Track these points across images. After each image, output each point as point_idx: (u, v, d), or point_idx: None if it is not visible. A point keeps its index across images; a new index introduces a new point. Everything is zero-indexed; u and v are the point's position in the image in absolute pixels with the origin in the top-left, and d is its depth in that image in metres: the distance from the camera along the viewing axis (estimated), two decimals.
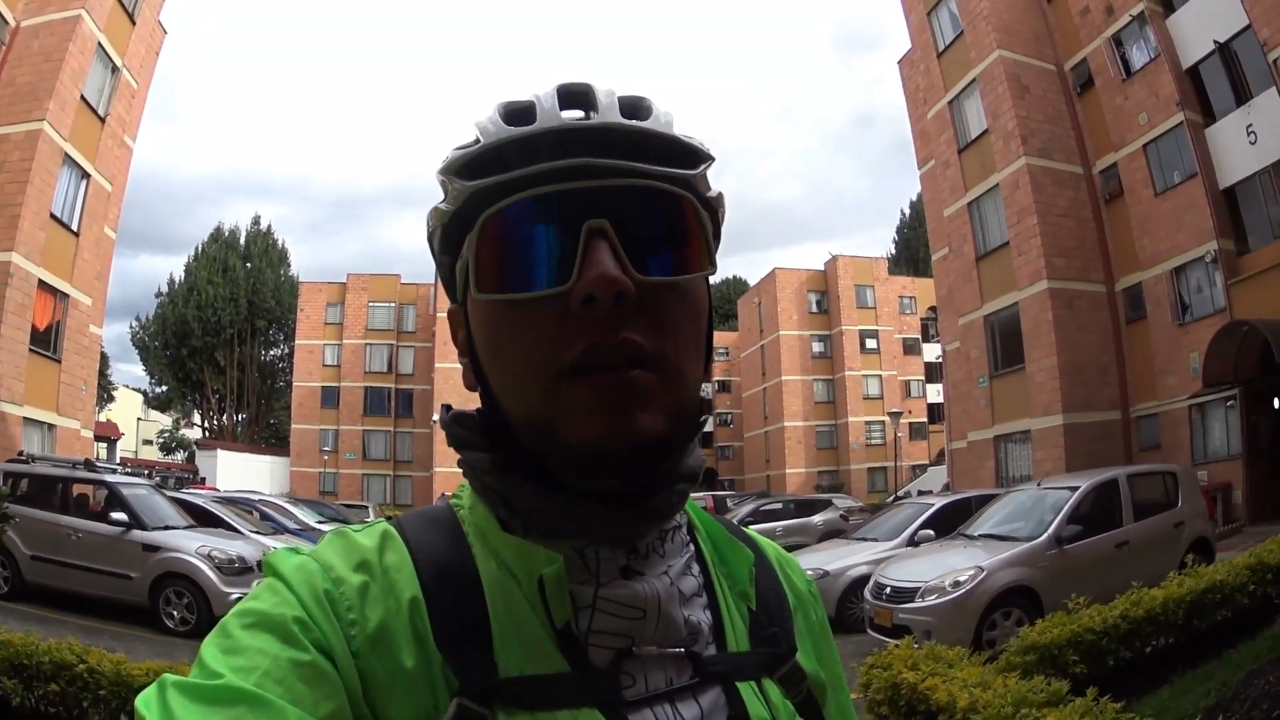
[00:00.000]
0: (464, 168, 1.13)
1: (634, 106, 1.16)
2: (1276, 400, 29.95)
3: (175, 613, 17.06)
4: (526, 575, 1.13)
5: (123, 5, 35.74)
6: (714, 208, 1.20)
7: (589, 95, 1.15)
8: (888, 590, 14.94)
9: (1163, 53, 32.45)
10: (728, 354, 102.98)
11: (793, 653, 1.29)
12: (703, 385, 1.21)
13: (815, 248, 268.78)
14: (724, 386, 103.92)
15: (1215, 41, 30.88)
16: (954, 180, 40.21)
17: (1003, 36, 37.02)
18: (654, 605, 1.16)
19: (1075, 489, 16.08)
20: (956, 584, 13.92)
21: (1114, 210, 36.03)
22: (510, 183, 1.09)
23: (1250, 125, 29.93)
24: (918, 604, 14.04)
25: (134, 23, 36.89)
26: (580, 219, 1.06)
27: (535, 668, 1.09)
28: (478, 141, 1.13)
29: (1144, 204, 34.08)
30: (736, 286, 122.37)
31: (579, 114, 1.15)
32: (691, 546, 1.29)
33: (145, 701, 0.96)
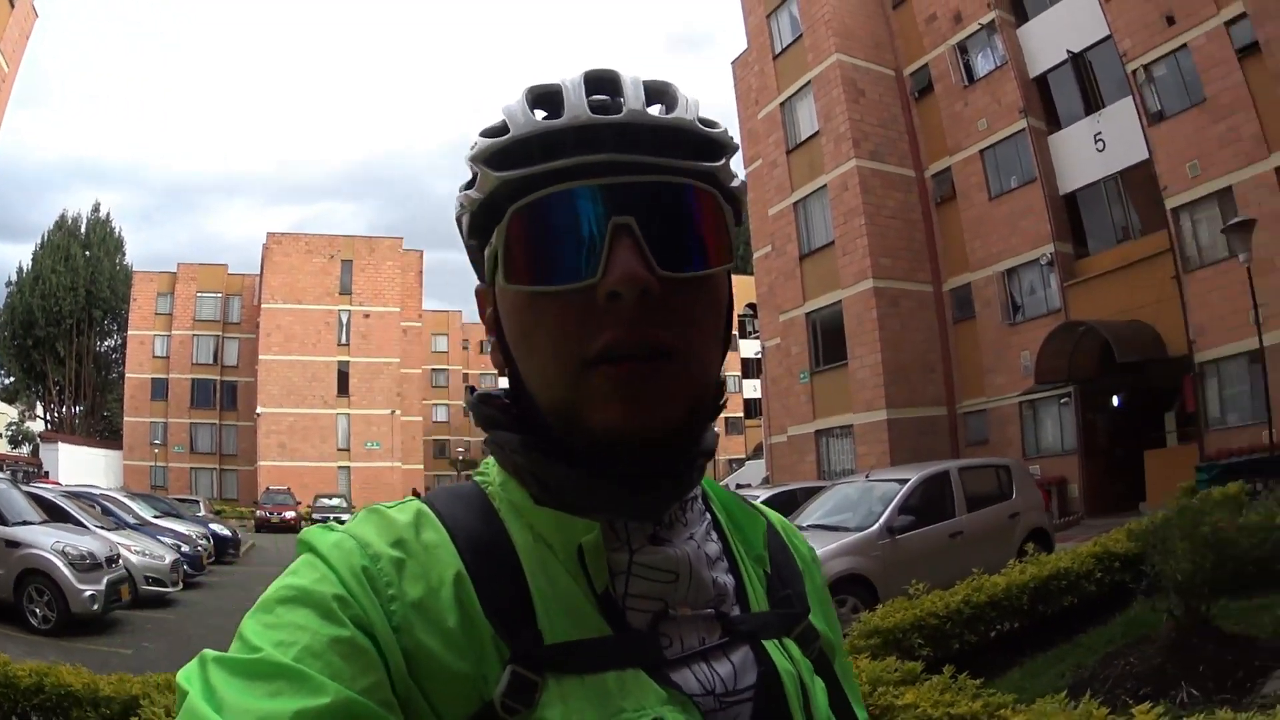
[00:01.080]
0: (493, 157, 1.11)
1: (660, 97, 1.15)
2: (1115, 399, 30.61)
3: (38, 610, 16.20)
4: (564, 545, 1.13)
5: None
6: (737, 198, 1.19)
7: (616, 83, 1.13)
8: None
9: (1010, 61, 32.77)
10: None
11: (807, 612, 1.31)
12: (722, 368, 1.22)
13: None
14: None
15: (1069, 51, 31.31)
16: (780, 180, 39.89)
17: (842, 41, 36.67)
18: (685, 568, 1.18)
19: (905, 481, 16.16)
20: None
21: (945, 213, 36.24)
22: (538, 176, 1.09)
23: (1099, 133, 30.35)
24: None
25: (12, 6, 34.20)
26: (607, 215, 1.06)
27: (579, 633, 1.09)
28: (505, 128, 1.12)
29: (977, 207, 34.42)
30: None
31: (604, 99, 1.12)
32: (708, 515, 1.30)
33: (187, 676, 0.96)
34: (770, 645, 1.20)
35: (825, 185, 36.95)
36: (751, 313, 61.57)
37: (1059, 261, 31.22)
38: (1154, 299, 27.66)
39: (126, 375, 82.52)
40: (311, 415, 71.25)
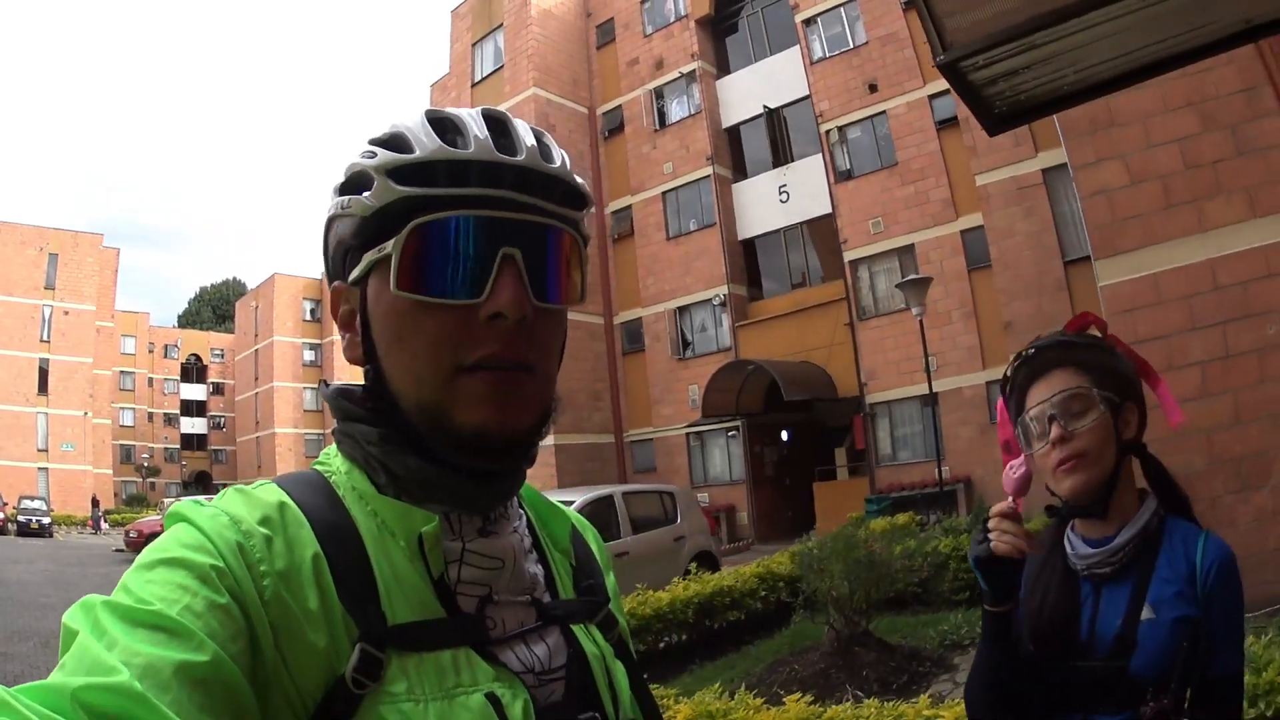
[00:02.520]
0: (396, 171, 1.15)
1: (546, 150, 1.22)
2: (784, 433, 31.48)
3: None
4: (406, 533, 1.17)
5: None
6: (586, 242, 1.27)
7: (508, 126, 1.20)
8: None
9: (704, 110, 33.17)
10: (223, 356, 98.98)
11: (607, 601, 1.38)
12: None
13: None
14: (218, 389, 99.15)
15: (765, 106, 32.18)
16: None
17: (541, 75, 36.56)
18: (511, 557, 1.25)
19: (570, 503, 15.17)
20: None
21: (622, 249, 36.33)
22: (444, 199, 1.14)
23: (784, 185, 31.12)
24: None
25: None
26: (497, 244, 1.13)
27: (418, 615, 1.13)
28: (406, 145, 1.16)
29: (654, 246, 34.66)
30: (235, 288, 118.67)
31: (503, 140, 1.19)
32: (522, 511, 1.36)
33: (73, 617, 0.96)
34: (578, 630, 1.27)
35: None
36: None
37: (732, 302, 31.64)
38: (827, 342, 28.39)
39: None
40: (14, 414, 65.33)
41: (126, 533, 38.49)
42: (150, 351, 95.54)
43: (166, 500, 53.29)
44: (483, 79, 39.33)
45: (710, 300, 32.21)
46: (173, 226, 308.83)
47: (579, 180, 1.24)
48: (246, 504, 1.10)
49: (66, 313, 67.51)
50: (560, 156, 1.22)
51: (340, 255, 1.22)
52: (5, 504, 52.57)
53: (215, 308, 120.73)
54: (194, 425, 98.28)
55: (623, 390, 35.69)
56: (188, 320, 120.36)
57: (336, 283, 1.25)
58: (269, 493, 1.14)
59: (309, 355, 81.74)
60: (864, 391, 27.31)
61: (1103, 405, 2.09)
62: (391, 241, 1.13)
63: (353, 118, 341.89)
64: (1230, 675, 1.99)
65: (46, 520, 50.32)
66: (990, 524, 2.07)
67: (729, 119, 33.21)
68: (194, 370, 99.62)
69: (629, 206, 35.63)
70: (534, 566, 1.31)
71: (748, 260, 32.67)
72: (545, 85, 36.38)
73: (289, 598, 1.03)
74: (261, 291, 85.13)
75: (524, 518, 1.36)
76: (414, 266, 1.12)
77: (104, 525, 56.83)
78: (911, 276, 21.96)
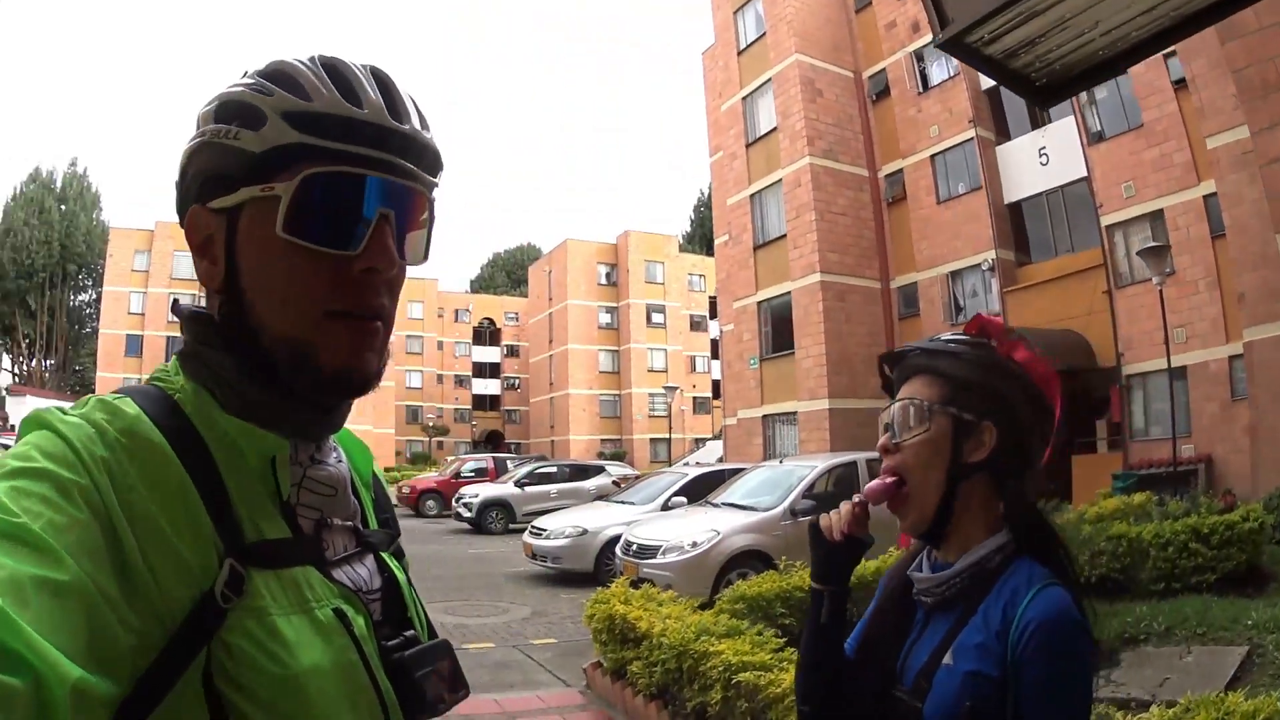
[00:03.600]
0: (292, 114, 1.23)
1: (423, 117, 1.35)
2: None
3: None
4: (257, 454, 1.26)
5: None
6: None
7: (393, 90, 1.32)
8: (635, 547, 15.54)
9: (962, 72, 32.33)
10: (517, 319, 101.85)
11: (399, 534, 1.54)
12: None
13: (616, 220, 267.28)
14: (512, 351, 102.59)
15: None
16: (739, 172, 39.94)
17: (802, 41, 36.54)
18: (341, 485, 1.40)
19: (814, 467, 17.00)
20: (694, 544, 14.66)
21: (896, 213, 36.22)
22: (335, 152, 1.24)
23: (1044, 148, 30.35)
24: (659, 560, 14.70)
25: None
26: (377, 203, 1.26)
27: (269, 534, 1.23)
28: (301, 90, 1.25)
29: (925, 210, 34.32)
30: (529, 253, 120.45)
31: (388, 103, 1.29)
32: (337, 446, 1.47)
33: None
34: (386, 557, 1.45)
35: (780, 180, 36.97)
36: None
37: (1000, 268, 31.22)
38: (1086, 311, 27.80)
39: (101, 331, 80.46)
40: None
41: (399, 489, 39.82)
42: (440, 316, 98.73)
43: (450, 459, 54.83)
44: (746, 47, 39.65)
45: (979, 265, 31.92)
46: (453, 194, 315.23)
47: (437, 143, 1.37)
48: (109, 416, 1.16)
49: None
50: (428, 122, 1.36)
51: (206, 180, 1.29)
52: None
53: (509, 272, 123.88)
54: (486, 386, 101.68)
55: None
56: (481, 285, 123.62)
57: (196, 206, 1.31)
58: (128, 405, 1.19)
59: (604, 318, 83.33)
60: (1120, 362, 26.64)
61: (937, 421, 1.98)
62: (281, 184, 1.22)
63: (624, 80, 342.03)
64: None
65: None
66: (843, 503, 2.06)
67: (986, 80, 31.74)
68: (487, 333, 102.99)
69: (900, 170, 35.49)
70: (353, 497, 1.45)
71: (1015, 224, 32.18)
72: (807, 51, 36.36)
73: (157, 513, 1.09)
74: (555, 256, 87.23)
75: (340, 452, 1.48)
76: (301, 213, 1.22)
77: None
78: (1150, 244, 21.44)
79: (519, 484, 30.88)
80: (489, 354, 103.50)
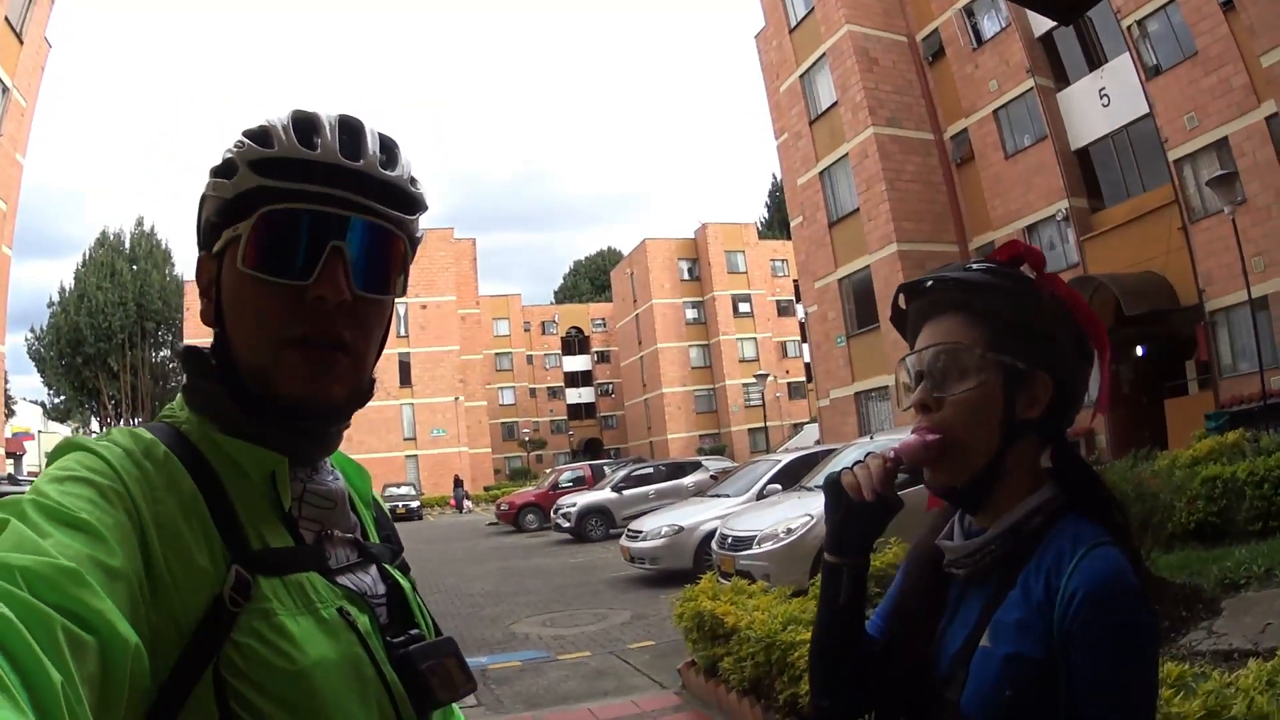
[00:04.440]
0: (256, 162, 1.35)
1: (388, 156, 1.44)
2: (1139, 348, 30.01)
3: None
4: (258, 470, 1.37)
5: (11, 27, 33.37)
6: (415, 244, 1.51)
7: (359, 133, 1.41)
8: (730, 540, 15.24)
9: (1013, 22, 32.19)
10: (604, 325, 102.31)
11: (402, 549, 1.65)
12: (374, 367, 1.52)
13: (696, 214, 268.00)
14: (603, 357, 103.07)
15: None
16: (806, 151, 40.06)
17: (851, 11, 36.47)
18: (341, 499, 1.52)
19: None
20: (789, 531, 14.29)
21: (966, 174, 36.00)
22: (289, 191, 1.34)
23: (1103, 89, 30.06)
24: (754, 550, 14.42)
25: (21, 42, 34.65)
26: (328, 236, 1.35)
27: (272, 543, 1.33)
28: (269, 140, 1.37)
29: (995, 167, 34.20)
30: (610, 258, 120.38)
31: (350, 143, 1.40)
32: (333, 469, 1.57)
33: (4, 510, 1.06)
34: (390, 568, 1.55)
35: (847, 154, 37.05)
36: None
37: (1074, 216, 30.93)
38: (1164, 250, 27.36)
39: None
40: (377, 408, 69.74)
41: (498, 505, 40.21)
42: (526, 330, 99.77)
43: (548, 471, 55.20)
44: (797, 24, 39.76)
45: (1053, 216, 31.76)
46: (533, 208, 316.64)
47: (414, 189, 1.46)
48: (134, 440, 1.28)
49: (424, 306, 72.04)
50: (401, 163, 1.45)
51: (206, 230, 1.43)
52: None
53: (592, 279, 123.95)
54: (580, 395, 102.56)
55: None
56: (565, 295, 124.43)
57: (201, 253, 1.45)
58: (144, 432, 1.32)
59: (691, 314, 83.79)
60: (1203, 299, 26.15)
61: (988, 372, 1.69)
62: (244, 224, 1.35)
63: (682, 71, 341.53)
64: None
65: (415, 504, 53.93)
66: (868, 457, 1.79)
67: (1038, 27, 31.99)
68: (575, 342, 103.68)
69: (965, 130, 35.36)
70: (351, 513, 1.56)
71: (1084, 170, 31.72)
72: (858, 20, 36.29)
73: (179, 521, 1.21)
74: (635, 257, 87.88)
75: (337, 474, 1.57)
76: (258, 247, 1.33)
77: (468, 504, 59.19)
78: (1218, 173, 21.06)
79: (616, 489, 30.76)
80: (579, 362, 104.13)
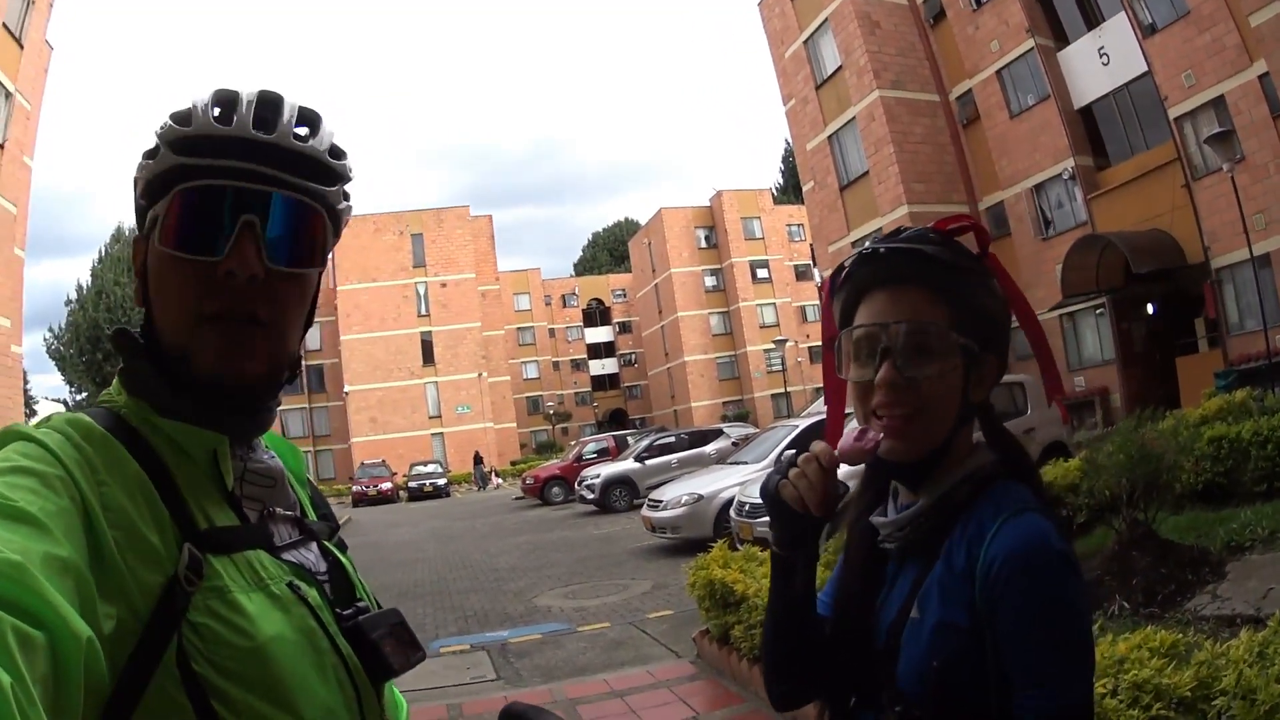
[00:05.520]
0: (175, 141, 1.36)
1: (307, 127, 1.43)
2: (1150, 306, 30.01)
3: None
4: (200, 450, 1.38)
5: (10, 32, 33.41)
6: (339, 217, 1.50)
7: (278, 106, 1.40)
8: (747, 507, 15.38)
9: None
10: (625, 295, 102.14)
11: (338, 526, 1.67)
12: (301, 343, 1.52)
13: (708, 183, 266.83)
14: (624, 328, 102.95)
15: None
16: (814, 116, 40.07)
17: None
18: (281, 477, 1.54)
19: None
20: None
21: (972, 134, 35.92)
22: (204, 168, 1.34)
23: (1102, 48, 29.96)
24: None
25: (21, 47, 34.60)
26: (239, 211, 1.34)
27: (218, 521, 1.34)
28: (188, 118, 1.37)
29: (1000, 126, 34.18)
30: (628, 228, 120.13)
31: (265, 117, 1.39)
32: (268, 448, 1.59)
33: None
34: (328, 544, 1.57)
35: (854, 118, 37.04)
36: None
37: (1080, 174, 30.85)
38: (1169, 207, 27.21)
39: None
40: (400, 388, 71.41)
41: (523, 480, 40.50)
42: (547, 304, 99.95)
43: (572, 443, 54.99)
44: None
45: (1060, 175, 31.67)
46: (548, 182, 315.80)
47: (333, 161, 1.45)
48: (75, 425, 1.27)
49: (444, 285, 72.34)
50: (323, 139, 1.44)
51: (138, 212, 1.44)
52: (394, 473, 57.29)
53: (611, 250, 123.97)
54: (604, 366, 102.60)
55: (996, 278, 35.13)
56: (584, 267, 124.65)
57: (136, 235, 1.46)
58: (83, 417, 1.31)
59: (710, 281, 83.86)
60: (1208, 256, 25.83)
61: (953, 354, 1.63)
62: (161, 203, 1.36)
63: (689, 41, 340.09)
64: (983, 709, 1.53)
65: (441, 481, 54.38)
66: (800, 459, 1.67)
67: None
68: (596, 313, 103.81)
69: (969, 90, 35.23)
70: (290, 492, 1.57)
71: (1089, 129, 31.50)
72: None
73: (126, 504, 1.21)
74: (652, 227, 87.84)
75: (271, 453, 1.58)
76: (174, 226, 1.33)
77: (495, 480, 59.16)
78: (1214, 131, 21.02)
79: (639, 459, 30.83)
80: (601, 334, 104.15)
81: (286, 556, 1.43)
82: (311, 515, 1.62)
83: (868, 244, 1.71)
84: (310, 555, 1.51)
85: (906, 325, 1.63)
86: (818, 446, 1.67)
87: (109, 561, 1.15)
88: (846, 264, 1.75)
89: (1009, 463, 1.71)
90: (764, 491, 1.74)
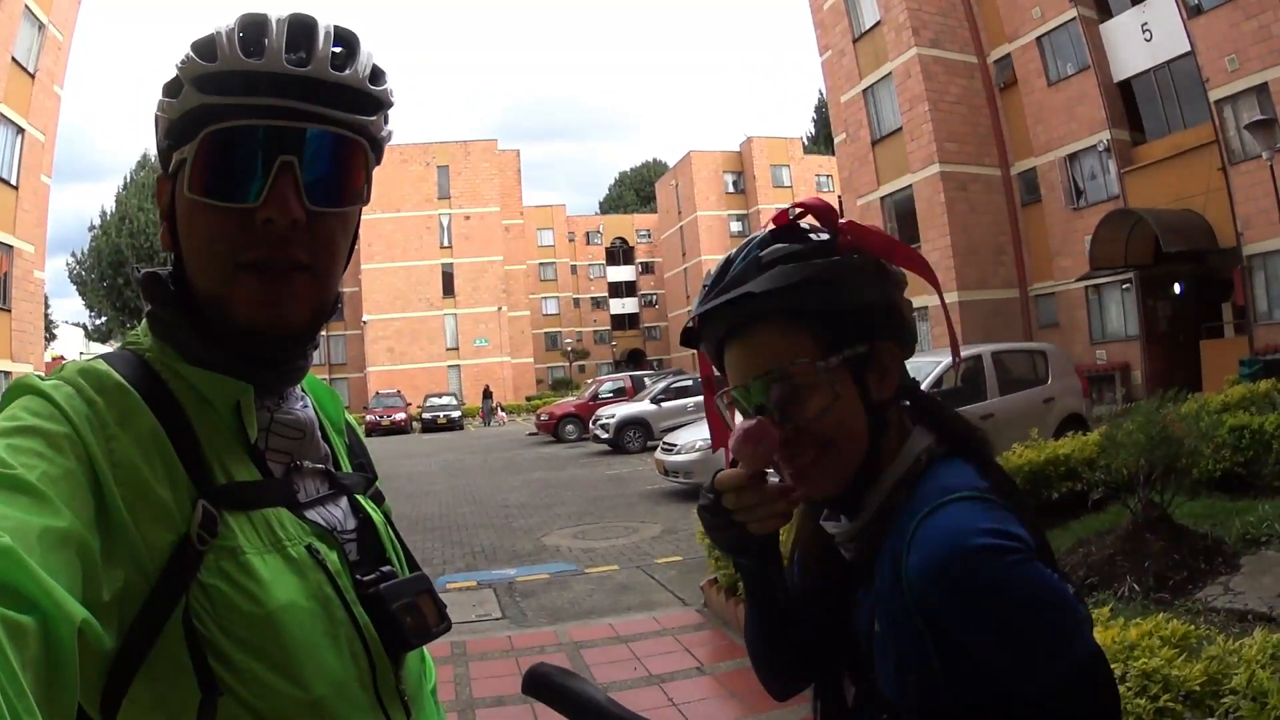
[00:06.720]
0: (199, 79, 1.27)
1: (344, 55, 1.33)
2: (1177, 286, 29.67)
3: None
4: (223, 400, 1.33)
5: None
6: (380, 145, 1.41)
7: (312, 33, 1.31)
8: None
9: None
10: (649, 236, 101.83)
11: (376, 477, 1.60)
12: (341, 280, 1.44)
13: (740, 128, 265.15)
14: (646, 268, 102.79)
15: None
16: (849, 68, 39.77)
17: None
18: (310, 428, 1.47)
19: (939, 363, 15.96)
20: None
21: (1009, 98, 35.63)
22: (233, 108, 1.26)
23: (1145, 23, 29.36)
24: None
25: None
26: (276, 152, 1.26)
27: (237, 476, 1.30)
28: (212, 51, 1.28)
29: (1037, 93, 33.92)
30: (655, 169, 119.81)
31: (299, 48, 1.30)
32: (306, 394, 1.55)
33: None
34: (362, 499, 1.51)
35: (890, 73, 36.72)
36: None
37: (1115, 148, 30.46)
38: (1204, 189, 26.85)
39: None
40: (419, 319, 71.25)
41: (537, 416, 40.53)
42: (571, 241, 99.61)
43: (589, 381, 54.69)
44: None
45: (1095, 146, 31.35)
46: (578, 120, 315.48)
47: (373, 88, 1.35)
48: (88, 374, 1.23)
49: (467, 217, 72.13)
50: (362, 64, 1.34)
51: (159, 152, 1.37)
52: (408, 404, 57.17)
53: (637, 190, 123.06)
54: (624, 306, 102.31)
55: (1024, 244, 35.30)
56: (610, 206, 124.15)
57: (160, 175, 1.39)
58: (99, 365, 1.27)
59: (735, 226, 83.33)
60: (1240, 242, 25.55)
61: (833, 378, 1.49)
62: (188, 147, 1.29)
63: None
64: (972, 704, 1.39)
65: (456, 414, 54.21)
66: (728, 504, 1.53)
67: None
68: (619, 253, 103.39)
69: (1008, 55, 34.91)
70: (322, 442, 1.51)
71: (1126, 103, 30.97)
72: None
73: (137, 459, 1.18)
74: (680, 169, 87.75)
75: (308, 400, 1.54)
76: (203, 171, 1.27)
77: (501, 415, 58.84)
78: (1258, 117, 20.69)
79: (655, 400, 30.79)
80: (624, 273, 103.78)
81: (310, 515, 1.38)
82: (346, 466, 1.56)
83: (699, 297, 1.58)
84: (338, 512, 1.45)
85: (766, 378, 1.50)
86: (727, 477, 1.53)
87: (116, 522, 1.13)
88: (691, 324, 1.63)
89: (947, 440, 1.57)
90: (702, 513, 1.60)
